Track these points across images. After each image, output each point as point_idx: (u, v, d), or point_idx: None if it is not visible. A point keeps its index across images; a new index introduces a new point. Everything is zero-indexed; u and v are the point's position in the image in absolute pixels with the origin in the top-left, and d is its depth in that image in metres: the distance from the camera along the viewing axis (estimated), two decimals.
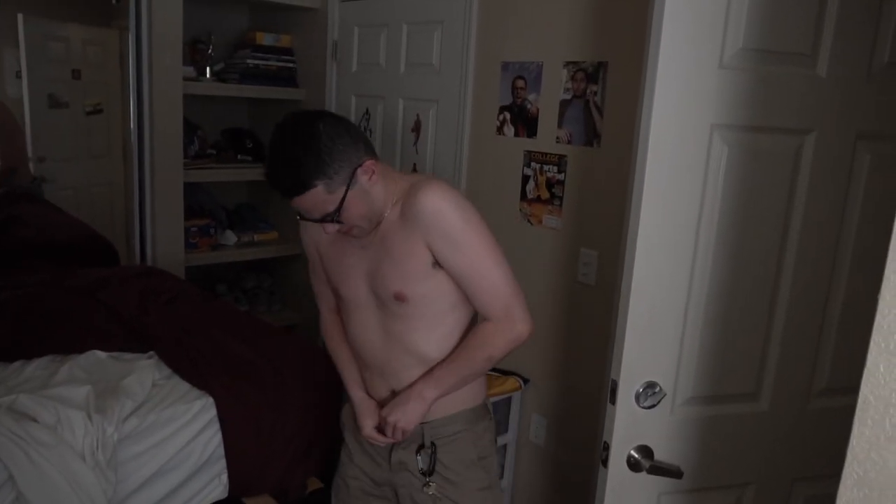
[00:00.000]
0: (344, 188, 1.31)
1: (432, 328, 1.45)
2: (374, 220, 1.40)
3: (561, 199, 2.41)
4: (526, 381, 2.57)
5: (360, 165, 1.33)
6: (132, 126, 3.14)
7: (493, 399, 2.47)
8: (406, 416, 1.43)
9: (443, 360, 1.46)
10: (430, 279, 1.40)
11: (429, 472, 1.49)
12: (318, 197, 1.31)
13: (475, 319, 1.50)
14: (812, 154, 1.38)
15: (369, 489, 1.60)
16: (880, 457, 0.65)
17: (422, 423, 1.48)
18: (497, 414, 2.60)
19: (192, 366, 1.93)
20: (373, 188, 1.36)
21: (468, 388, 1.51)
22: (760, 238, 1.40)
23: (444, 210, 1.34)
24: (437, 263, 1.39)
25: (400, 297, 1.41)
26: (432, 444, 1.49)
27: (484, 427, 1.56)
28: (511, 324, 1.40)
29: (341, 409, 1.67)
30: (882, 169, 1.43)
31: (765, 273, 1.42)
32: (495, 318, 1.41)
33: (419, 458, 1.49)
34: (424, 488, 1.50)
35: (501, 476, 2.66)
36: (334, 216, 1.34)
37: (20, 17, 3.84)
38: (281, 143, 1.32)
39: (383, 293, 1.43)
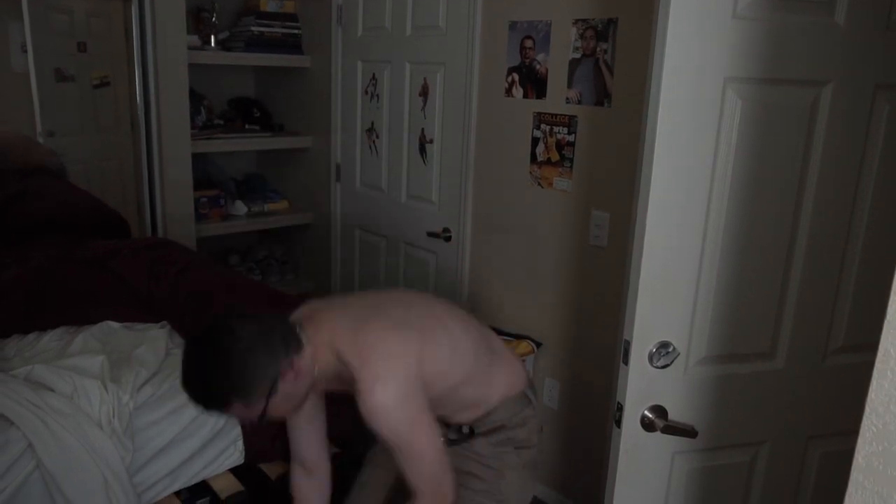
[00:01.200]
0: (264, 400, 1.25)
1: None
2: (303, 402, 1.39)
3: (571, 160, 2.38)
4: (539, 344, 2.57)
5: (279, 376, 1.25)
6: (138, 98, 3.12)
7: None
8: None
9: None
10: None
11: (458, 443, 1.56)
12: (239, 411, 1.26)
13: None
14: (829, 106, 1.34)
15: None
16: None
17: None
18: None
19: None
20: (297, 385, 1.30)
21: (502, 378, 1.55)
22: (776, 193, 1.37)
23: (386, 415, 1.30)
24: None
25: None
26: (470, 428, 1.55)
27: (524, 417, 1.57)
28: (442, 497, 1.39)
29: None
30: None
31: (780, 229, 1.39)
32: (427, 491, 1.38)
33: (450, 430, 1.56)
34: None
35: None
36: (260, 421, 1.29)
37: None
38: (193, 361, 1.24)
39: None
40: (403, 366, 1.34)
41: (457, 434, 1.56)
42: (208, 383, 1.23)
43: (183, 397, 1.77)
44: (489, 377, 1.55)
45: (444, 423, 1.58)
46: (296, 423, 1.53)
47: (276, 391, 1.25)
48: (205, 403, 1.25)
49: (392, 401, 1.31)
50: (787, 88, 1.32)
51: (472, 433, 1.56)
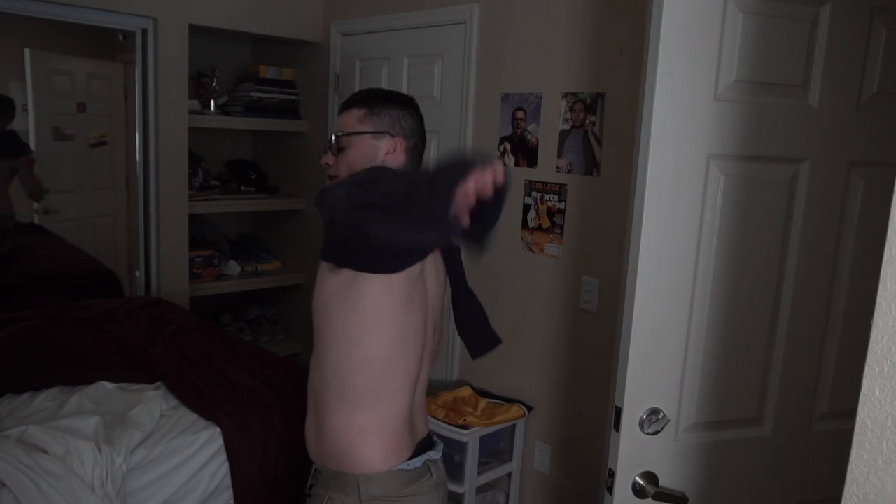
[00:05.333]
0: (368, 130, 1.40)
1: (319, 355, 1.33)
2: None
3: (562, 227, 2.44)
4: (529, 408, 2.58)
5: (392, 134, 1.41)
6: (138, 158, 3.19)
7: (496, 427, 2.48)
8: None
9: None
10: (325, 281, 1.31)
11: None
12: (352, 116, 1.41)
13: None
14: (807, 182, 1.41)
15: None
16: (879, 479, 0.67)
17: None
18: (501, 442, 2.60)
19: (199, 396, 1.94)
20: (382, 160, 1.40)
21: (340, 447, 1.32)
22: (759, 264, 1.43)
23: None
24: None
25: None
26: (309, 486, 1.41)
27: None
28: None
29: None
30: (875, 195, 1.46)
31: (764, 298, 1.45)
32: None
33: None
34: None
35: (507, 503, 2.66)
36: (339, 137, 1.40)
37: (27, 51, 3.91)
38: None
39: None
40: None
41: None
42: (375, 89, 1.48)
43: (176, 459, 1.78)
44: (400, 415, 1.33)
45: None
46: None
47: (379, 139, 1.40)
48: (355, 95, 1.45)
49: None
50: (767, 165, 1.39)
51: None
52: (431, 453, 1.42)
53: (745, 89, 1.34)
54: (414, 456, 1.37)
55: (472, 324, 1.50)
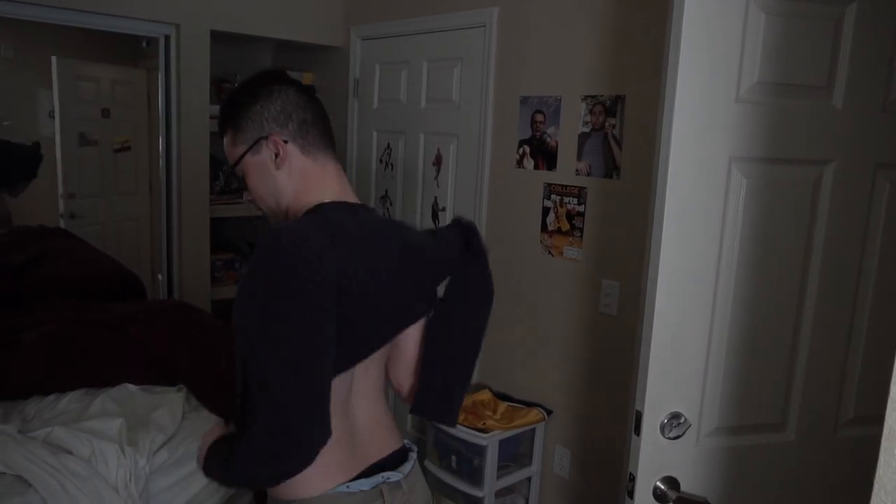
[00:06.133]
0: (245, 148, 1.22)
1: None
2: (279, 207, 1.23)
3: (581, 230, 2.43)
4: (549, 412, 2.57)
5: (266, 136, 1.20)
6: (161, 163, 3.23)
7: (516, 431, 2.47)
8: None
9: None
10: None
11: None
12: (227, 144, 1.25)
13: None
14: (831, 184, 1.39)
15: None
16: None
17: None
18: (520, 446, 2.60)
19: (221, 398, 1.96)
20: (278, 172, 1.21)
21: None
22: (782, 267, 1.41)
23: (253, 262, 1.06)
24: None
25: None
26: None
27: None
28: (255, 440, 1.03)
29: None
30: None
31: (787, 302, 1.43)
32: (248, 427, 1.03)
33: None
34: None
35: None
36: (232, 168, 1.26)
37: (53, 59, 3.98)
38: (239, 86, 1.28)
39: None
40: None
41: None
42: (228, 100, 1.26)
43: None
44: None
45: None
46: None
47: (258, 150, 1.21)
48: (220, 118, 1.27)
49: (274, 250, 1.03)
50: (790, 168, 1.38)
51: None
52: (388, 473, 1.21)
53: (768, 91, 1.33)
54: (364, 475, 1.19)
55: (441, 373, 1.30)
